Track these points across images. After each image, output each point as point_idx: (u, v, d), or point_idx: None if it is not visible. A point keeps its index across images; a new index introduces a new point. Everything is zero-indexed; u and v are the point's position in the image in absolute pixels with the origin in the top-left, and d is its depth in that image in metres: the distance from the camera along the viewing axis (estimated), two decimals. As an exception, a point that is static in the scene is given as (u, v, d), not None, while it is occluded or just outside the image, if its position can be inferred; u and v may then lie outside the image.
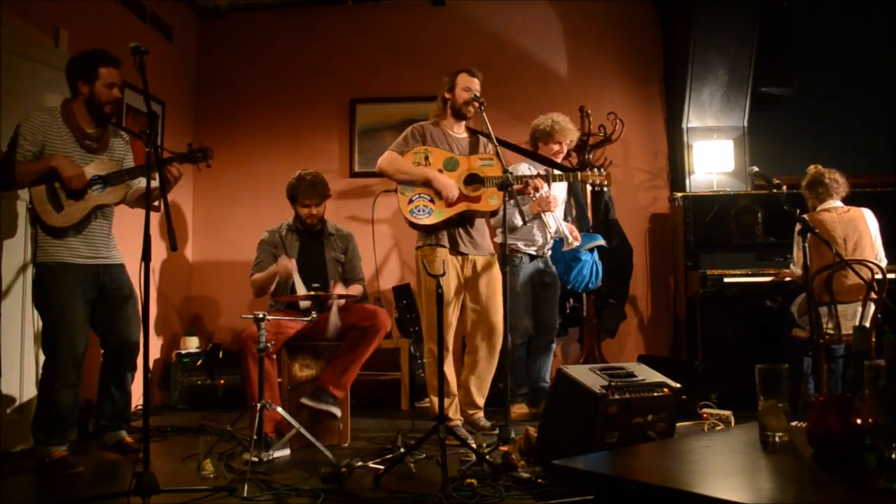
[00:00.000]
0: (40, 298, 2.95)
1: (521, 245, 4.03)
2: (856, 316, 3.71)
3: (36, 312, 3.24)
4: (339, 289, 3.41)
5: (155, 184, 2.73)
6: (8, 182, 2.91)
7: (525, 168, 3.97)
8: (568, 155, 4.69)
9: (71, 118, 2.98)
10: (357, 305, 3.44)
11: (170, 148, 4.85)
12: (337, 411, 3.18)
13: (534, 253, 4.05)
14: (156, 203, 3.14)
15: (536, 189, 3.53)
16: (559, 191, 4.13)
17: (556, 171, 3.60)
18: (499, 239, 4.10)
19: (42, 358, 2.99)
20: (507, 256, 3.16)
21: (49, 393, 2.89)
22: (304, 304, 3.39)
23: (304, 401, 3.12)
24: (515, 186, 3.39)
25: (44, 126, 2.92)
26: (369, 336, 3.28)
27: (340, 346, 3.33)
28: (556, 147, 4.05)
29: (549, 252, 4.15)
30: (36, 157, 2.88)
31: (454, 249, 3.45)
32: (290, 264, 3.39)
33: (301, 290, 3.34)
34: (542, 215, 3.88)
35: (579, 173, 3.62)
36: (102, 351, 3.15)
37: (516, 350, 4.02)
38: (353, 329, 3.32)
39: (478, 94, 3.48)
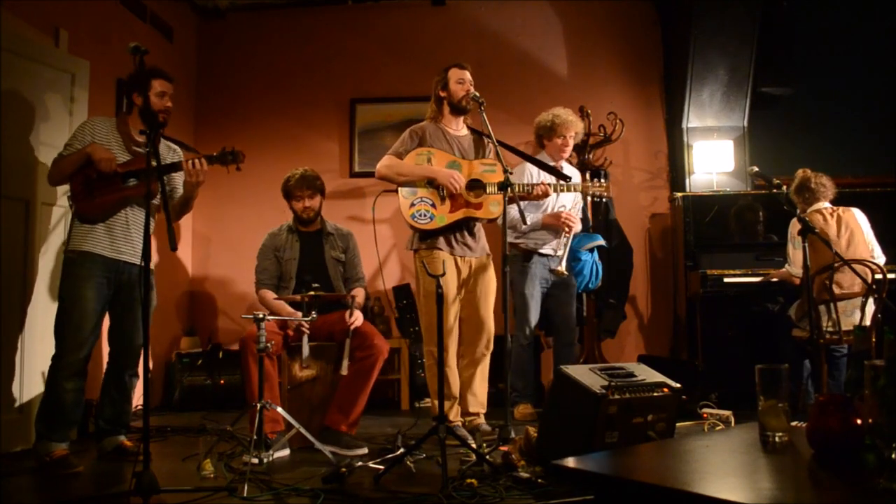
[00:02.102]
0: (60, 289, 3.03)
1: (531, 245, 4.01)
2: (854, 312, 3.71)
3: (34, 312, 3.29)
4: (357, 319, 3.34)
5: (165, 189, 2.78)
6: (54, 175, 3.06)
7: (529, 170, 3.96)
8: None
9: (123, 126, 3.13)
10: (356, 329, 3.35)
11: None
12: (365, 449, 3.14)
13: (548, 252, 4.01)
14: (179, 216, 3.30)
15: (546, 195, 3.51)
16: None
17: (562, 182, 3.60)
18: (510, 239, 4.09)
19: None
20: (506, 257, 3.15)
21: (53, 383, 2.93)
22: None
23: (335, 450, 3.00)
24: (519, 192, 3.38)
25: (94, 129, 3.07)
26: (368, 370, 3.25)
27: (341, 382, 3.29)
28: (560, 141, 4.04)
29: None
30: (79, 151, 3.00)
31: (451, 252, 3.43)
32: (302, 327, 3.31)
33: (306, 350, 3.28)
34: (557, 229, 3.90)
35: (579, 184, 3.62)
36: (108, 350, 3.17)
37: (523, 351, 4.01)
38: (352, 360, 3.29)
39: (471, 84, 3.48)
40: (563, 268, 3.78)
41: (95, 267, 2.99)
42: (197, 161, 3.05)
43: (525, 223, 3.82)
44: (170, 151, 3.28)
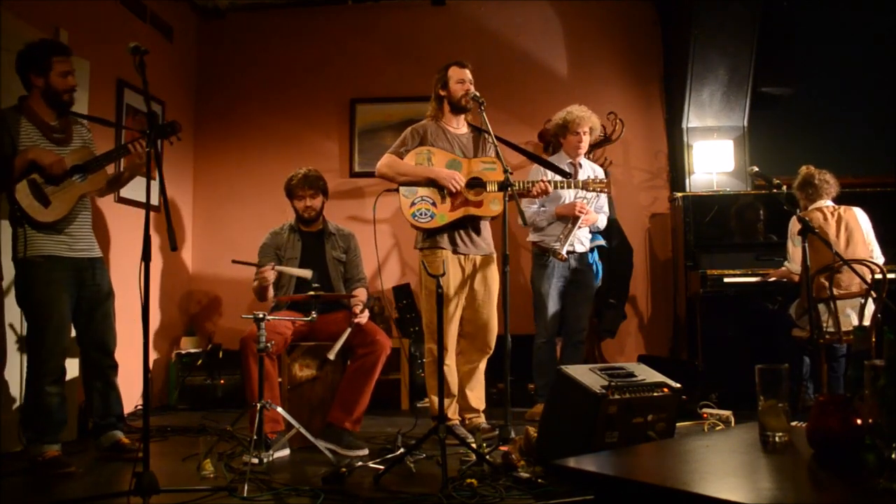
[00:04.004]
0: (27, 294, 2.94)
1: (551, 242, 3.97)
2: (854, 311, 3.71)
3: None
4: (364, 316, 3.34)
5: (145, 180, 2.75)
6: (6, 181, 2.91)
7: (543, 172, 3.95)
8: None
9: (32, 114, 2.96)
10: (359, 326, 3.35)
11: (169, 149, 4.87)
12: (366, 450, 3.14)
13: (567, 249, 3.96)
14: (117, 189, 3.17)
15: (544, 192, 3.50)
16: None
17: (562, 178, 3.60)
18: (531, 238, 4.09)
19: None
20: (506, 256, 3.15)
21: (37, 390, 2.90)
22: (303, 274, 3.36)
23: (335, 449, 3.01)
24: (518, 190, 3.38)
25: (9, 127, 2.89)
26: (371, 367, 3.25)
27: (343, 379, 3.31)
28: (575, 138, 4.01)
29: (585, 249, 4.06)
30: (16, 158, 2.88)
31: (455, 250, 3.44)
32: (268, 273, 3.32)
33: (295, 272, 3.31)
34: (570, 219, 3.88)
35: (580, 181, 3.62)
36: (79, 347, 3.16)
37: (541, 349, 4.02)
38: (353, 357, 3.31)
39: (471, 83, 3.47)
40: (563, 252, 3.77)
41: (62, 269, 2.95)
42: (138, 144, 2.98)
43: (525, 223, 3.83)
44: (85, 131, 3.17)
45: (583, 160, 4.14)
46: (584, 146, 4.07)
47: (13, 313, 3.28)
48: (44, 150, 2.90)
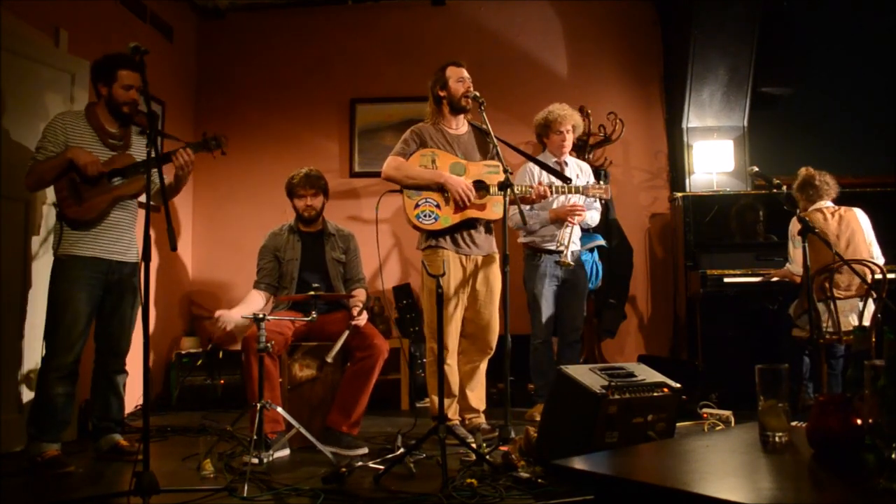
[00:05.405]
0: (50, 290, 3.02)
1: (540, 242, 3.98)
2: (853, 311, 3.72)
3: (34, 312, 3.29)
4: (363, 318, 3.33)
5: (158, 180, 2.78)
6: (33, 182, 3.01)
7: (530, 170, 3.94)
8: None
9: (94, 119, 3.09)
10: (357, 328, 3.34)
11: (170, 147, 4.87)
12: (366, 449, 3.14)
13: (555, 249, 3.93)
14: (170, 197, 3.20)
15: (544, 197, 3.50)
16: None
17: (561, 184, 3.59)
18: (522, 239, 4.08)
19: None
20: (506, 256, 3.14)
21: (44, 384, 2.92)
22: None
23: (335, 450, 3.00)
24: (519, 195, 3.37)
25: (66, 127, 3.01)
26: (369, 371, 3.25)
27: (342, 382, 3.31)
28: (558, 137, 4.01)
29: (577, 248, 4.04)
30: (58, 156, 2.96)
31: (457, 250, 3.44)
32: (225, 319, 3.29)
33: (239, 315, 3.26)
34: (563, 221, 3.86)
35: (579, 186, 3.61)
36: (95, 346, 3.17)
37: (537, 350, 4.01)
38: (352, 361, 3.31)
39: (470, 82, 3.47)
40: (568, 258, 3.75)
41: (87, 269, 2.99)
42: (183, 152, 3.03)
43: (525, 223, 3.82)
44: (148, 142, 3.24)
45: (568, 158, 4.13)
46: (568, 144, 4.07)
47: (32, 312, 3.32)
48: (81, 150, 2.96)
